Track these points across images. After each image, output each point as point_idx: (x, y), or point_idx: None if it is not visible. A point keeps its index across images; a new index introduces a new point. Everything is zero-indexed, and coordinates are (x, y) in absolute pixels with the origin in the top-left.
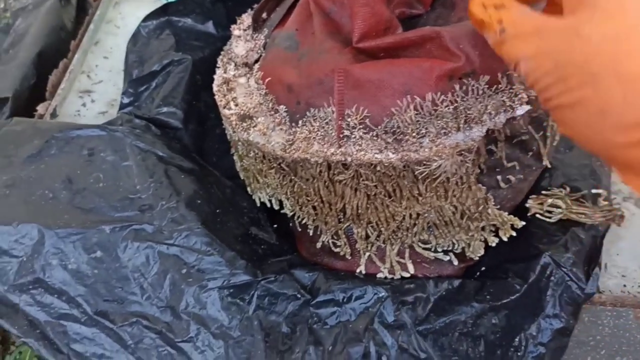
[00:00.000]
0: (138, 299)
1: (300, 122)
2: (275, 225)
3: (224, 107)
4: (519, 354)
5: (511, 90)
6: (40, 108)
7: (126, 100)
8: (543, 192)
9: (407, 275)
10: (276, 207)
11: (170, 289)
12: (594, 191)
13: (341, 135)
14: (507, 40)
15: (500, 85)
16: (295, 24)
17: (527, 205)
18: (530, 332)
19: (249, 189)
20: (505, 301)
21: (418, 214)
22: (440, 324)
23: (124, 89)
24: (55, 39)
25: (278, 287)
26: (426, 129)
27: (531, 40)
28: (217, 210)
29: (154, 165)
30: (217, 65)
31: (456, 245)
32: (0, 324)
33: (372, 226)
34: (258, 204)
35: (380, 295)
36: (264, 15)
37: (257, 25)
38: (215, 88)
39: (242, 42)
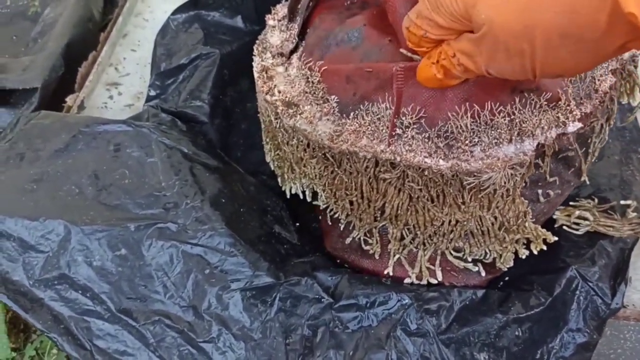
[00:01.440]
0: (161, 297)
1: (351, 114)
2: (297, 224)
3: (267, 94)
4: None
5: (567, 107)
6: (69, 100)
7: (153, 93)
8: (571, 203)
9: (434, 282)
10: (309, 199)
11: (193, 288)
12: (622, 202)
13: (393, 133)
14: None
15: (559, 102)
16: (363, 20)
17: (554, 216)
18: (553, 346)
19: (280, 179)
20: (529, 313)
21: (457, 221)
22: (462, 334)
23: (151, 82)
24: (83, 30)
25: (300, 289)
26: (479, 137)
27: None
28: (241, 209)
29: (179, 163)
30: (254, 54)
31: (488, 255)
32: (25, 317)
33: (408, 228)
34: (288, 196)
35: (404, 302)
36: (299, 6)
37: (292, 15)
38: (255, 75)
39: (277, 32)
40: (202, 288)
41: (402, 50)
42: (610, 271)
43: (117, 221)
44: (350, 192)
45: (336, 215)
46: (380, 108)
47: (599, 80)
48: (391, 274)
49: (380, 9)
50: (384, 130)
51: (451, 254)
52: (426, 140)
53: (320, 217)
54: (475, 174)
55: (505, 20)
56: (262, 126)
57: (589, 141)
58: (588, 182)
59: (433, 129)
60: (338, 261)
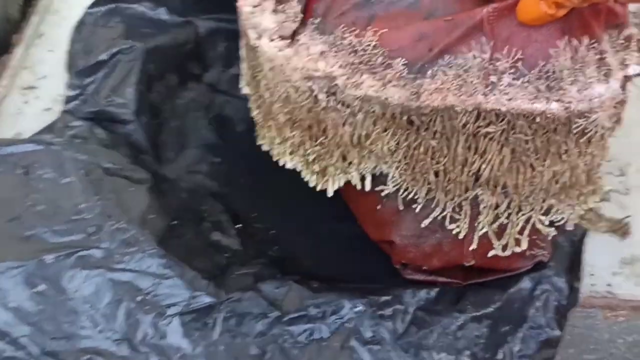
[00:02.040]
0: (90, 333)
1: (428, 72)
2: (238, 226)
3: (305, 70)
4: None
5: (633, 49)
6: None
7: (72, 93)
8: None
9: (518, 250)
10: (367, 187)
11: (126, 319)
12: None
13: (488, 83)
14: None
15: (631, 43)
16: None
17: None
18: (515, 344)
19: (314, 178)
20: (487, 311)
21: (554, 174)
22: (420, 337)
23: (69, 81)
24: None
25: (244, 306)
26: (576, 76)
27: None
28: (174, 222)
29: (99, 180)
30: (251, 39)
31: (567, 214)
32: None
33: (505, 192)
34: (330, 194)
35: (357, 309)
36: None
37: None
38: (275, 56)
39: (267, 14)
40: (136, 317)
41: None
42: (566, 264)
43: (32, 254)
44: (438, 160)
45: (410, 196)
46: (467, 58)
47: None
48: (475, 247)
49: None
50: (473, 82)
51: (540, 221)
52: (525, 84)
53: (376, 209)
54: (586, 114)
55: None
56: (282, 120)
57: None
58: None
59: (533, 71)
60: (409, 255)
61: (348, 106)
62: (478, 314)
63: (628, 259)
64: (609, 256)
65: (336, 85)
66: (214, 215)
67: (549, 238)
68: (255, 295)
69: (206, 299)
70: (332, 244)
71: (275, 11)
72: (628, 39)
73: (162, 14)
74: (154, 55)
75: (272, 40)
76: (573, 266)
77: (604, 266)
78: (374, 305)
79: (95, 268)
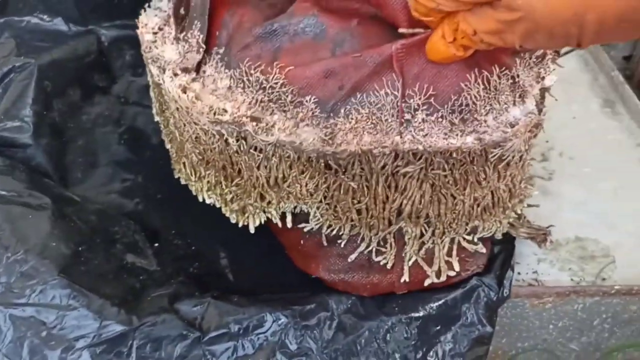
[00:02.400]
0: None
1: (342, 111)
2: (156, 245)
3: (213, 114)
4: None
5: (546, 63)
6: None
7: None
8: None
9: (452, 274)
10: (289, 225)
11: (30, 357)
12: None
13: (402, 120)
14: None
15: (545, 58)
16: (310, 7)
17: None
18: (446, 343)
19: (236, 215)
20: (415, 312)
21: (475, 199)
22: (348, 343)
23: None
24: None
25: (160, 330)
26: (491, 105)
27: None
28: (80, 248)
29: None
30: (153, 75)
31: (494, 229)
32: None
33: (428, 222)
34: (252, 230)
35: (280, 322)
36: (182, 11)
37: (181, 20)
38: (180, 98)
39: (168, 46)
40: (42, 354)
41: (401, 30)
42: (495, 261)
43: None
44: (359, 200)
45: (334, 232)
46: (380, 96)
47: None
48: (408, 280)
49: None
50: (388, 120)
51: (464, 239)
52: (440, 119)
53: (300, 243)
54: (501, 144)
55: (551, 9)
56: (194, 159)
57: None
58: None
59: (446, 106)
60: (335, 287)
61: (261, 151)
62: (406, 315)
63: (552, 245)
64: (533, 243)
65: (246, 130)
66: (127, 236)
67: (481, 252)
68: (171, 317)
69: (117, 328)
70: (254, 255)
71: (177, 39)
72: (541, 56)
73: (59, 24)
74: (51, 70)
75: (175, 74)
76: (503, 263)
77: (529, 253)
78: (297, 315)
79: None
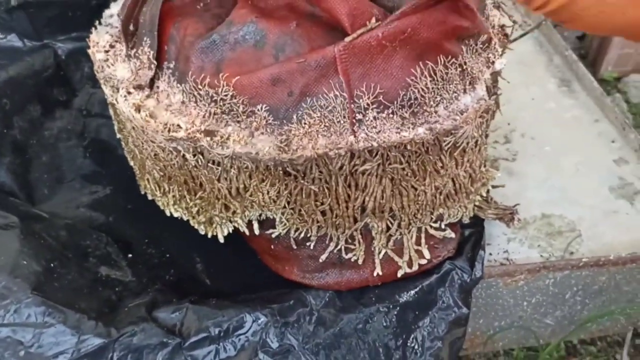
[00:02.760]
0: None
1: (294, 116)
2: (130, 255)
3: (167, 132)
4: (417, 353)
5: (494, 47)
6: None
7: None
8: None
9: (423, 262)
10: (256, 232)
11: None
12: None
13: (354, 120)
14: None
15: (491, 43)
16: (248, 13)
17: None
18: (425, 328)
19: (203, 227)
20: (392, 300)
21: (437, 188)
22: (329, 336)
23: None
24: None
25: (140, 339)
26: (440, 95)
27: None
28: (52, 265)
29: None
30: (108, 97)
31: (460, 214)
32: None
33: (392, 215)
34: (222, 240)
35: (260, 321)
36: (131, 27)
37: (131, 37)
38: (134, 117)
39: (119, 63)
40: None
41: (347, 38)
42: (467, 243)
43: None
44: (321, 202)
45: (303, 235)
46: (329, 99)
47: (491, 17)
48: (381, 273)
49: None
50: (340, 122)
51: (431, 226)
52: (391, 115)
53: (271, 248)
54: (452, 131)
55: None
56: (156, 175)
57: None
58: None
59: (395, 102)
60: (311, 287)
61: (218, 164)
62: (383, 305)
63: (520, 223)
64: (502, 224)
65: (201, 145)
66: (100, 249)
67: (450, 237)
68: (150, 326)
69: (96, 341)
70: (229, 258)
71: (128, 56)
72: (487, 41)
73: (14, 40)
74: (9, 87)
75: (129, 93)
76: (474, 245)
77: (499, 233)
78: (277, 313)
79: None
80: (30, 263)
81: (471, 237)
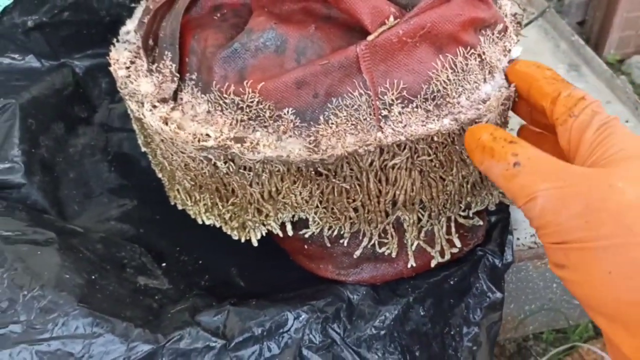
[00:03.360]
0: None
1: (321, 117)
2: (164, 264)
3: (198, 141)
4: (455, 339)
5: (510, 35)
6: None
7: None
8: None
9: (455, 251)
10: (290, 233)
11: None
12: None
13: (380, 117)
14: (522, 174)
15: (507, 32)
16: (267, 21)
17: None
18: (461, 315)
19: (231, 231)
20: (428, 289)
21: (463, 177)
22: (369, 329)
23: None
24: None
25: (186, 343)
26: (462, 86)
27: (553, 180)
28: (93, 277)
29: (0, 251)
30: (135, 113)
31: (487, 201)
32: None
33: (422, 207)
34: (255, 244)
35: (301, 318)
36: (150, 42)
37: (151, 52)
38: (162, 130)
39: (142, 78)
40: None
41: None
42: (495, 230)
43: None
44: (353, 198)
45: (336, 232)
46: (354, 97)
47: (503, 6)
48: (414, 264)
49: (267, 2)
50: (367, 119)
51: (460, 215)
52: (415, 109)
53: (304, 248)
54: (476, 120)
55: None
56: (187, 185)
57: None
58: None
59: (419, 96)
60: (347, 283)
61: (250, 169)
62: (420, 294)
63: None
64: None
65: (232, 152)
66: (135, 260)
67: (478, 224)
68: (194, 330)
69: (145, 347)
70: (262, 259)
71: (149, 71)
72: (503, 30)
73: (32, 61)
74: (33, 107)
75: (154, 106)
76: (502, 230)
77: (524, 218)
78: (316, 309)
79: (18, 344)
80: (73, 276)
81: (498, 223)
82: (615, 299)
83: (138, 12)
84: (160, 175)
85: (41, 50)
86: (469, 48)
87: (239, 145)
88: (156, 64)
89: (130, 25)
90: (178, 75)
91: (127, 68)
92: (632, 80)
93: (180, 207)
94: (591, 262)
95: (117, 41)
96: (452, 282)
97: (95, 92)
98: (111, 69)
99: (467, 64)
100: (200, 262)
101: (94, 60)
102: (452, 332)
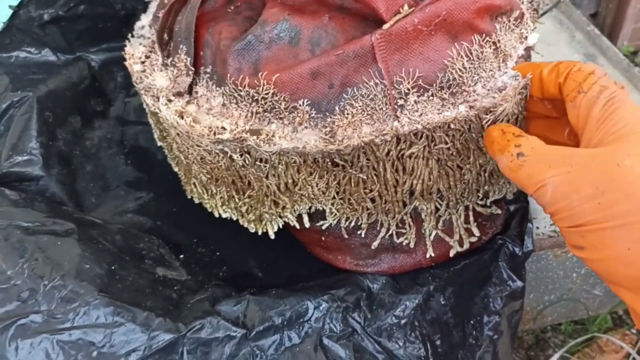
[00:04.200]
0: None
1: (336, 108)
2: (182, 256)
3: (213, 134)
4: (476, 328)
5: (526, 22)
6: None
7: None
8: None
9: (474, 240)
10: (307, 225)
11: None
12: None
13: (396, 106)
14: (527, 164)
15: (523, 19)
16: (280, 12)
17: None
18: (482, 304)
19: (248, 223)
20: (448, 278)
21: (481, 166)
22: (390, 317)
23: None
24: None
25: (207, 332)
26: (478, 74)
27: (560, 166)
28: (112, 267)
29: (20, 242)
30: (152, 107)
31: (505, 190)
32: None
33: (440, 196)
34: (272, 236)
35: (321, 307)
36: (165, 36)
37: (166, 46)
38: (178, 124)
39: (157, 72)
40: None
41: (385, 26)
42: (514, 219)
43: None
44: (370, 189)
45: (353, 223)
46: (369, 87)
47: None
48: (433, 254)
49: None
50: (383, 109)
51: (478, 204)
52: (431, 97)
53: (321, 239)
54: (492, 109)
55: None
56: (204, 179)
57: None
58: None
59: (434, 84)
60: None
61: (266, 161)
62: (441, 283)
63: None
64: None
65: (248, 144)
66: (153, 251)
67: (496, 213)
68: (215, 319)
69: (166, 336)
70: (280, 250)
71: (165, 65)
72: (519, 17)
73: (48, 55)
74: (50, 100)
75: (170, 100)
76: (521, 219)
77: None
78: (337, 298)
79: (39, 334)
80: (93, 267)
81: (517, 212)
82: (637, 270)
83: (152, 6)
84: (176, 169)
85: (57, 44)
86: (484, 36)
87: (254, 137)
88: (171, 58)
89: (145, 20)
90: (193, 68)
91: (142, 63)
92: None
93: (197, 201)
94: (609, 241)
95: (132, 36)
96: (472, 271)
97: (110, 85)
98: (126, 63)
99: (482, 52)
100: (218, 253)
101: (109, 54)
102: (472, 321)
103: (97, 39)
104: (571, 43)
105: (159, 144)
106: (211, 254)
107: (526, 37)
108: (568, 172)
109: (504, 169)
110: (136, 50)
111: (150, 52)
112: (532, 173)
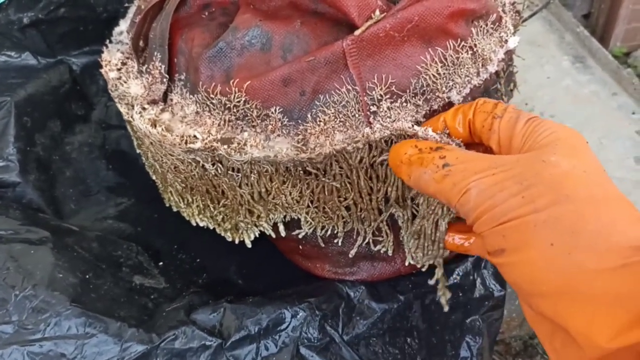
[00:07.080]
0: None
1: (308, 115)
2: (161, 263)
3: (185, 144)
4: (456, 335)
5: (505, 25)
6: None
7: None
8: None
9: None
10: (282, 234)
11: None
12: None
13: (368, 112)
14: (452, 173)
15: (501, 22)
16: (252, 18)
17: None
18: (462, 311)
19: (229, 234)
20: (428, 287)
21: None
22: (368, 327)
23: None
24: None
25: (181, 343)
26: (452, 80)
27: (486, 171)
28: (87, 276)
29: None
30: (126, 116)
31: None
32: None
33: (416, 204)
34: (249, 245)
35: (299, 316)
36: (141, 43)
37: (141, 53)
38: (150, 132)
39: (131, 80)
40: None
41: (356, 32)
42: None
43: None
44: (344, 197)
45: (329, 232)
46: (342, 94)
47: None
48: (412, 262)
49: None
50: (355, 116)
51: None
52: (404, 104)
53: (299, 248)
54: None
55: None
56: (179, 187)
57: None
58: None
59: (407, 91)
60: (349, 282)
61: (238, 170)
62: (421, 290)
63: None
64: None
65: (219, 154)
66: (131, 259)
67: None
68: (190, 329)
69: (139, 347)
70: (261, 258)
71: (140, 72)
72: (497, 21)
73: (29, 58)
74: (29, 105)
75: (144, 108)
76: None
77: None
78: (315, 307)
79: (10, 345)
80: (66, 276)
81: None
82: (559, 271)
83: (131, 12)
84: (153, 177)
85: (37, 48)
86: (459, 40)
87: (225, 146)
88: (146, 65)
89: (124, 25)
90: (167, 76)
91: (119, 70)
92: (638, 73)
93: (174, 209)
94: (531, 236)
95: (110, 42)
96: (453, 279)
97: (92, 89)
98: (102, 71)
99: (457, 57)
100: (198, 260)
101: (91, 57)
102: (452, 329)
103: (79, 42)
104: (561, 44)
105: (138, 151)
106: (191, 261)
107: (506, 40)
108: (493, 173)
109: (428, 183)
110: (113, 57)
111: (127, 59)
112: (457, 180)
